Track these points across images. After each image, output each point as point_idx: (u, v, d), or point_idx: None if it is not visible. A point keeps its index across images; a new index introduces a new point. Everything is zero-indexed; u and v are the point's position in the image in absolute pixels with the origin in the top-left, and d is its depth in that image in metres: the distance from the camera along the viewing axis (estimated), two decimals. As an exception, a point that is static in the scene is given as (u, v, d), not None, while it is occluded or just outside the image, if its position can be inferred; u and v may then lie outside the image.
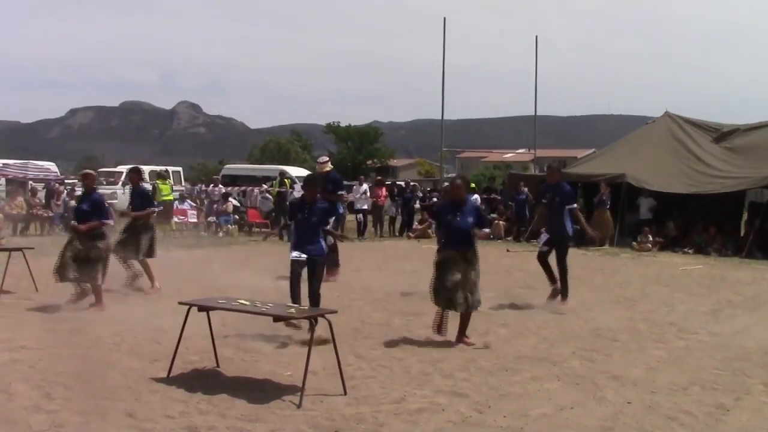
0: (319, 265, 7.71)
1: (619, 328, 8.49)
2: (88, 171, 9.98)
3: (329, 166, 12.22)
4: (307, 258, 7.55)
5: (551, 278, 9.82)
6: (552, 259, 9.83)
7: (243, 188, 24.46)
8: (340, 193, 11.83)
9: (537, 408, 5.40)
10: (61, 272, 8.68)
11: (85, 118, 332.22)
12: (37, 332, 7.54)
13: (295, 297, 7.43)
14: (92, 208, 8.81)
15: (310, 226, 7.65)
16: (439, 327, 7.48)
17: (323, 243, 7.76)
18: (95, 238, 8.73)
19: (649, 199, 19.53)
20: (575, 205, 10.01)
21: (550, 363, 6.76)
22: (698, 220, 18.96)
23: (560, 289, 9.71)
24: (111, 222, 9.15)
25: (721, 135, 21.09)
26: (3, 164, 25.80)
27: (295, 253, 7.58)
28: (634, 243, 18.73)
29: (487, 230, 7.98)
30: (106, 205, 9.25)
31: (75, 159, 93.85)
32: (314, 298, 7.58)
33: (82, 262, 8.61)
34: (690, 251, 18.05)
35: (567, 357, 7.01)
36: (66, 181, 25.36)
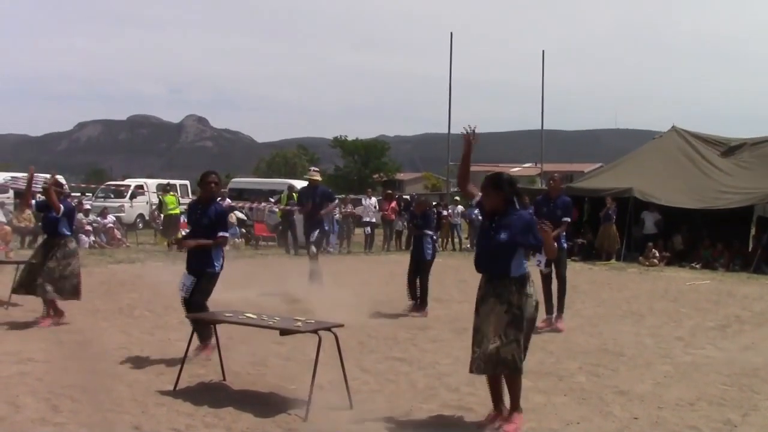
0: (204, 278, 7.01)
1: (625, 343, 8.46)
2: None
3: (318, 177, 12.15)
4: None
5: (550, 304, 9.29)
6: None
7: (250, 205, 24.44)
8: (331, 205, 11.83)
9: (544, 423, 5.38)
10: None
11: (94, 131, 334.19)
12: (44, 345, 7.57)
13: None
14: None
15: (202, 228, 7.08)
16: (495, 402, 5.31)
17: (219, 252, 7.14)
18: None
19: (654, 213, 19.50)
20: (569, 219, 9.58)
21: (556, 378, 6.74)
22: (705, 235, 18.92)
23: (557, 305, 9.30)
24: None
25: (729, 149, 21.09)
26: (12, 177, 25.92)
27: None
28: (641, 258, 18.69)
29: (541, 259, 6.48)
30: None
31: (83, 172, 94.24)
32: (198, 308, 6.92)
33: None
34: (697, 266, 18.00)
35: (573, 372, 6.98)
36: (72, 194, 25.46)
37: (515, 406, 5.20)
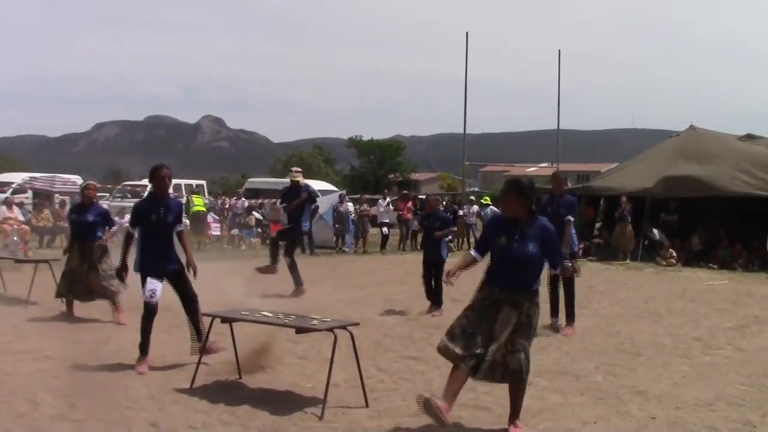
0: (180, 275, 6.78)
1: (643, 342, 8.40)
2: (90, 182, 10.13)
3: (299, 178, 12.28)
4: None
5: (555, 309, 9.09)
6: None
7: (263, 201, 24.52)
8: (299, 201, 11.73)
9: (560, 423, 5.35)
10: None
11: (111, 132, 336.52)
12: (62, 343, 7.63)
13: None
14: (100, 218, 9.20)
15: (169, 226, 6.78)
16: (449, 393, 4.92)
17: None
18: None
19: (671, 216, 19.31)
20: (571, 218, 9.21)
21: (572, 377, 6.71)
22: (724, 235, 18.75)
23: (567, 312, 8.98)
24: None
25: (747, 136, 20.97)
26: (30, 177, 26.16)
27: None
28: (658, 258, 18.57)
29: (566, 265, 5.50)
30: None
31: (101, 172, 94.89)
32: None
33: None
34: (715, 266, 17.84)
35: (590, 371, 6.95)
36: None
37: (517, 413, 5.08)
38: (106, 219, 9.36)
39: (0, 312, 9.34)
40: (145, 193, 27.84)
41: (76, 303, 9.24)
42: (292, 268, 11.48)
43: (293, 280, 11.47)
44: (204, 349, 6.46)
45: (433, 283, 10.25)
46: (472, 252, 5.35)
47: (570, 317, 9.01)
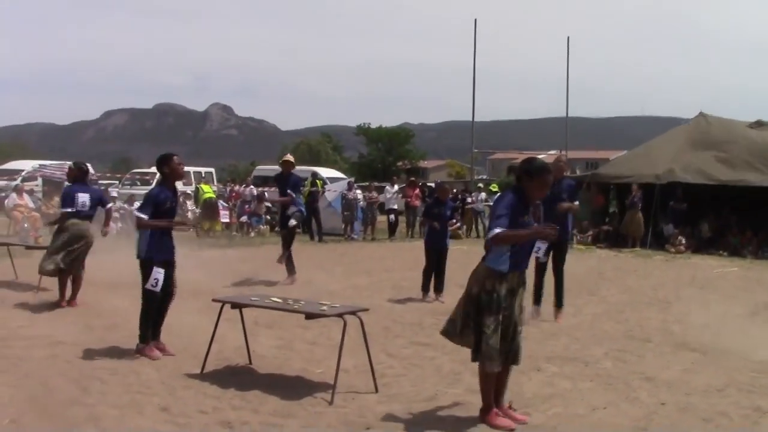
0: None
1: (652, 329, 8.40)
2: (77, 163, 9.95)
3: (290, 158, 11.84)
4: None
5: (538, 296, 8.82)
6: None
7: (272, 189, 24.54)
8: (289, 192, 11.38)
9: (570, 408, 5.36)
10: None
11: (120, 120, 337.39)
12: (73, 328, 7.69)
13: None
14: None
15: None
16: (498, 404, 5.01)
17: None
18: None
19: (680, 204, 19.23)
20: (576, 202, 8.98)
21: (582, 363, 6.71)
22: (733, 222, 18.68)
23: (555, 299, 8.80)
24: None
25: (757, 122, 20.79)
26: (40, 165, 26.28)
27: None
28: (667, 245, 18.52)
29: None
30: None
31: (110, 160, 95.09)
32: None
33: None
34: (725, 253, 17.78)
35: (599, 358, 6.95)
36: (100, 181, 25.77)
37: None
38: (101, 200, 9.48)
39: (12, 298, 9.40)
40: (154, 181, 28.07)
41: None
42: (289, 258, 11.43)
43: (287, 269, 11.39)
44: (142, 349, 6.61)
45: (436, 270, 10.25)
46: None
47: (559, 302, 8.85)
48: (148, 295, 6.66)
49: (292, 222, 11.41)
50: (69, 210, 8.93)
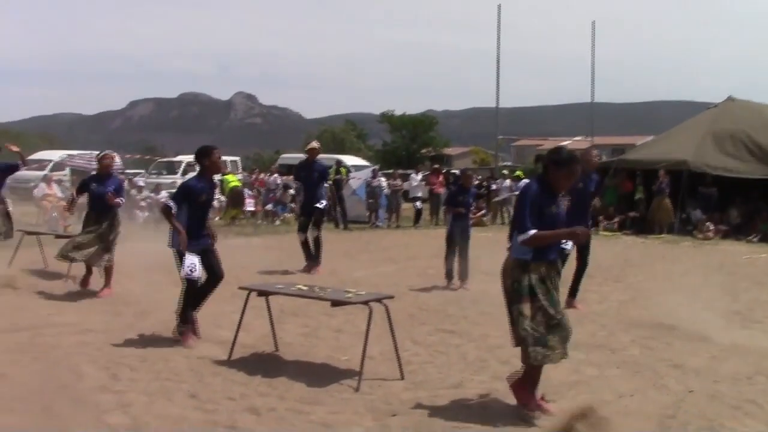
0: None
1: (680, 316, 8.30)
2: (107, 152, 9.98)
3: (315, 144, 11.78)
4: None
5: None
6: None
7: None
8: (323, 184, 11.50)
9: (597, 395, 5.33)
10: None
11: (145, 109, 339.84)
12: (102, 316, 7.79)
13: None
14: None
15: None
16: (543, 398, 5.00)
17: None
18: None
19: (710, 189, 19.00)
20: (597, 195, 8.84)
21: (608, 350, 6.68)
22: (763, 208, 18.42)
23: (572, 287, 8.57)
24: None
25: None
26: (68, 155, 26.58)
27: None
28: (695, 231, 18.32)
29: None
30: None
31: (136, 150, 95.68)
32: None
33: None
34: (755, 239, 17.55)
35: (626, 345, 6.91)
36: (126, 171, 26.04)
37: None
38: (119, 191, 9.40)
39: (41, 286, 9.55)
40: (181, 171, 28.24)
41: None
42: (316, 244, 11.43)
43: (309, 256, 11.35)
44: (182, 333, 6.64)
45: (460, 257, 10.23)
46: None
47: (573, 293, 8.64)
48: (187, 282, 6.72)
49: (323, 203, 11.41)
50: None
